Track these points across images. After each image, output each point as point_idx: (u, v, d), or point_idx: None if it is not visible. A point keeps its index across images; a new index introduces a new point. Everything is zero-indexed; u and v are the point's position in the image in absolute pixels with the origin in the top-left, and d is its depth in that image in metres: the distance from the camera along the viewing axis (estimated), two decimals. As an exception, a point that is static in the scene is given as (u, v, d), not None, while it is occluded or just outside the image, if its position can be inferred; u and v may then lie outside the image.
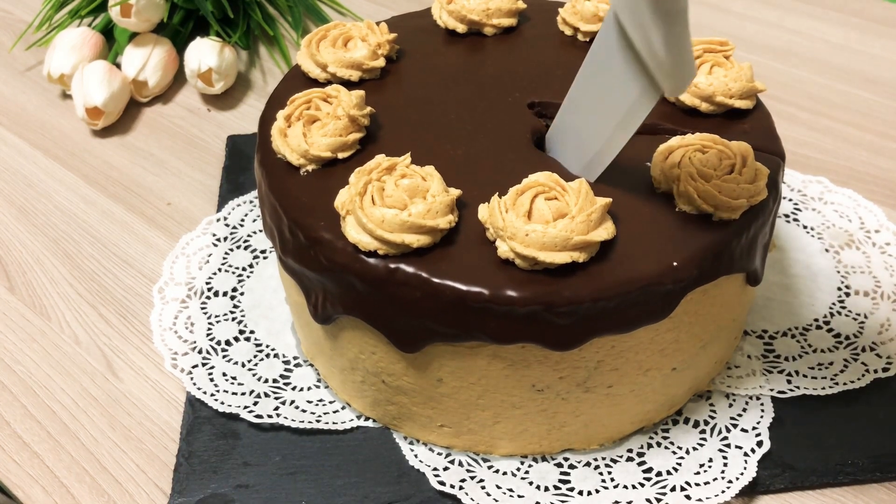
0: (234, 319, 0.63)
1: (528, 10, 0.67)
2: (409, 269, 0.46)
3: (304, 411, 0.56)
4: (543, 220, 0.45)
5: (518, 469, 0.53)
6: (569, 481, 0.52)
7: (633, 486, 0.52)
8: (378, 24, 0.62)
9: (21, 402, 0.59)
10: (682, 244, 0.47)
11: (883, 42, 0.98)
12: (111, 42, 0.92)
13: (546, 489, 0.52)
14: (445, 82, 0.60)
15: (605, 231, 0.46)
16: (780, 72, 0.93)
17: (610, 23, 0.46)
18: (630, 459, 0.53)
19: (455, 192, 0.48)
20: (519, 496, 0.51)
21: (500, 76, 0.61)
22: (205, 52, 0.84)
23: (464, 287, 0.45)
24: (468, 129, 0.56)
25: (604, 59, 0.48)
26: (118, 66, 0.88)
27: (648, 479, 0.52)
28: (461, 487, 0.52)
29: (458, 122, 0.56)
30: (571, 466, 0.53)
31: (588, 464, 0.53)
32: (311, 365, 0.60)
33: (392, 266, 0.46)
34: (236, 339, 0.61)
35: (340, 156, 0.53)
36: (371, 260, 0.46)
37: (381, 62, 0.60)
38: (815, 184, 0.73)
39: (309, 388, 0.58)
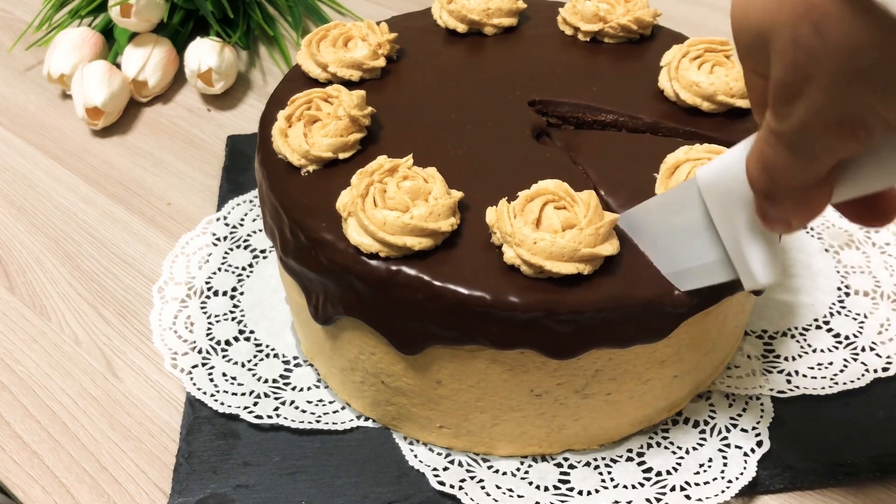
0: (233, 319, 0.63)
1: (528, 9, 0.67)
2: (411, 272, 0.46)
3: (303, 411, 0.56)
4: (552, 229, 0.45)
5: (518, 469, 0.53)
6: (569, 481, 0.52)
7: (633, 486, 0.52)
8: (378, 24, 0.62)
9: (21, 402, 0.59)
10: None
11: (883, 42, 0.98)
12: (111, 42, 0.92)
13: (546, 489, 0.52)
14: (446, 82, 0.60)
15: (611, 246, 0.46)
16: (780, 72, 0.92)
17: (695, 194, 0.43)
18: (630, 459, 0.53)
19: (457, 195, 0.48)
20: (519, 496, 0.51)
21: (500, 75, 0.61)
22: (205, 52, 0.84)
23: (466, 291, 0.45)
24: (469, 128, 0.56)
25: (682, 217, 0.44)
26: (118, 66, 0.88)
27: (648, 479, 0.52)
28: (461, 487, 0.52)
29: (458, 121, 0.56)
30: (571, 466, 0.53)
31: (588, 464, 0.53)
32: (311, 365, 0.60)
33: (394, 268, 0.46)
34: (236, 339, 0.61)
35: (341, 156, 0.52)
36: (372, 262, 0.46)
37: (381, 62, 0.60)
38: None
39: (309, 389, 0.58)
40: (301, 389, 0.58)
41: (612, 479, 0.52)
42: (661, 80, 0.58)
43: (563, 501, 0.51)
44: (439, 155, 0.53)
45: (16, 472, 0.55)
